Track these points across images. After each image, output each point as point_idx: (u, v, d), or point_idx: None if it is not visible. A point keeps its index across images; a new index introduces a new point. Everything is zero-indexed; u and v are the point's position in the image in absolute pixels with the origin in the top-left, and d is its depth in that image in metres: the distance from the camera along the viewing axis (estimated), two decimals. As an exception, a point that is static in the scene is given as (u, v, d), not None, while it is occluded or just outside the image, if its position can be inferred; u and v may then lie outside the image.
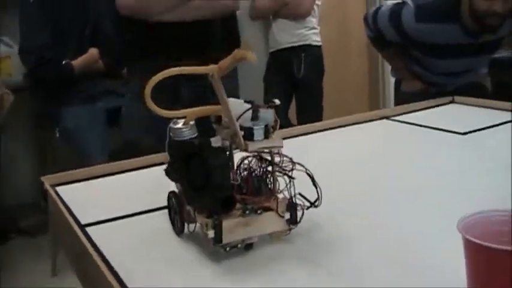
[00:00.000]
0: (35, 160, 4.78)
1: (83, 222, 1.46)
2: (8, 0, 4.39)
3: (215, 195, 1.10)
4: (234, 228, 1.13)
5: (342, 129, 2.25)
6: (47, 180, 1.76)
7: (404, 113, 2.41)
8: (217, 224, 1.10)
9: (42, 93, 3.99)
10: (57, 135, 4.03)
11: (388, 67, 5.41)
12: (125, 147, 2.47)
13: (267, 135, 1.16)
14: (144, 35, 2.65)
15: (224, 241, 1.12)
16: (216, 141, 1.17)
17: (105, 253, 1.25)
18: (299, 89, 4.73)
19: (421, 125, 2.21)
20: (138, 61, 2.70)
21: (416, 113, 2.43)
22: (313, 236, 1.26)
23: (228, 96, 1.14)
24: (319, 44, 4.74)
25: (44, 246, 4.07)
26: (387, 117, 2.36)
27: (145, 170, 1.88)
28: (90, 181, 1.82)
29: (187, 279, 1.12)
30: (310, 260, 1.16)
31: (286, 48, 4.67)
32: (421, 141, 2.05)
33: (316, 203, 1.20)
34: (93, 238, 1.35)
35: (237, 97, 3.81)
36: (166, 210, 1.36)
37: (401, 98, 3.34)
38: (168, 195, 1.32)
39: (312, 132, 2.21)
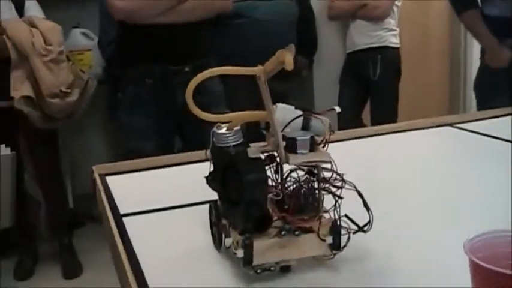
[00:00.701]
0: (109, 150, 4.73)
1: (122, 212, 1.44)
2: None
3: (247, 213, 0.98)
4: (267, 249, 1.00)
5: (402, 134, 2.13)
6: (97, 170, 1.76)
7: (471, 121, 2.23)
8: (247, 244, 0.98)
9: (116, 85, 3.94)
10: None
11: (469, 71, 5.23)
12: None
13: (312, 147, 1.01)
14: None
15: (255, 263, 0.99)
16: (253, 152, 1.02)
17: (134, 247, 1.22)
18: (374, 92, 4.53)
19: (485, 134, 2.02)
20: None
21: (483, 122, 2.24)
22: (361, 263, 1.10)
23: (304, 101, 1.01)
24: (397, 45, 4.54)
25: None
26: (451, 125, 2.20)
27: (199, 164, 1.75)
28: (140, 173, 1.81)
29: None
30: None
31: (363, 49, 4.50)
32: (480, 152, 1.87)
33: (365, 228, 1.05)
34: (128, 229, 1.31)
35: (312, 100, 3.78)
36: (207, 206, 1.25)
37: (484, 73, 3.08)
38: (210, 205, 1.21)
39: (369, 136, 2.08)
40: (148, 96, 2.67)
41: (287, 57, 0.92)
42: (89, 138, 4.86)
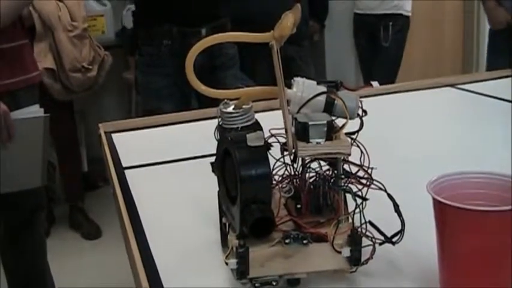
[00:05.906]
0: (124, 113, 4.48)
1: (125, 165, 1.40)
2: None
3: (244, 214, 0.75)
4: (267, 260, 0.77)
5: (402, 94, 1.92)
6: (103, 127, 1.72)
7: (472, 82, 2.05)
8: (240, 254, 0.76)
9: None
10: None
11: (483, 35, 4.88)
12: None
13: (330, 135, 0.77)
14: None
15: (251, 275, 0.77)
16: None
17: (134, 197, 1.16)
18: (380, 55, 4.22)
19: (484, 94, 1.85)
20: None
21: (484, 83, 2.04)
22: (392, 277, 0.82)
23: (315, 66, 0.75)
24: (410, 14, 4.26)
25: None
26: (452, 85, 2.05)
27: (204, 122, 1.68)
28: (147, 130, 1.71)
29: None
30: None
31: (376, 14, 4.18)
32: (481, 112, 1.70)
33: (395, 239, 0.80)
34: (129, 181, 1.27)
35: (323, 65, 3.39)
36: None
37: (493, 37, 2.89)
38: (218, 193, 0.93)
39: (370, 96, 1.83)
40: (166, 57, 2.49)
41: (284, 20, 0.73)
42: (103, 100, 4.58)
